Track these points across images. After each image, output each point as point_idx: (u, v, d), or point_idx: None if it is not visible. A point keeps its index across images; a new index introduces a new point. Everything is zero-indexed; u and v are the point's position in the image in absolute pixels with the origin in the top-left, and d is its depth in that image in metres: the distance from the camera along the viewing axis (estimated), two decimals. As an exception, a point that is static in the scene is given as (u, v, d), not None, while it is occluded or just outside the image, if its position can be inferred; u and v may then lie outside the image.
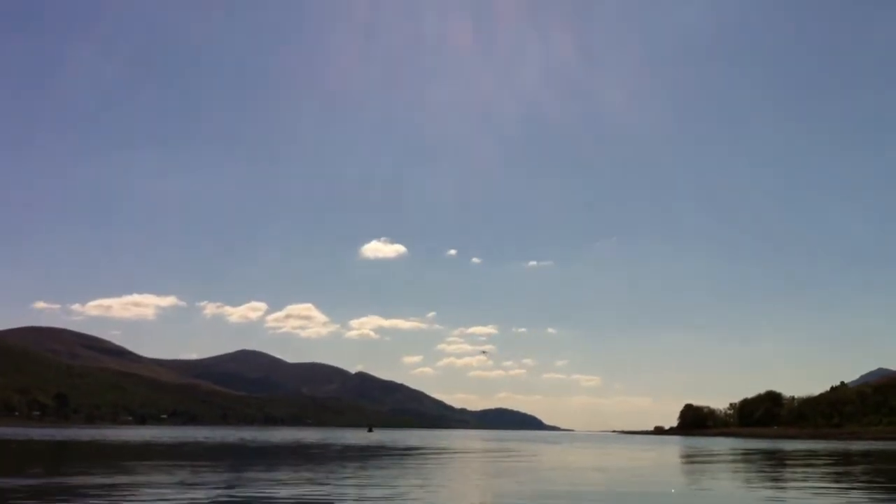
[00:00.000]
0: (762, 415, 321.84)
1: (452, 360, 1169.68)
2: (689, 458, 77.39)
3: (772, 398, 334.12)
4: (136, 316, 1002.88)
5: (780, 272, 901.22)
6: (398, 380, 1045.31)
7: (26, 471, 40.66)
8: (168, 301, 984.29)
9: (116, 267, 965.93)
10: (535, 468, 52.11)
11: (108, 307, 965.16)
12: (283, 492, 29.48)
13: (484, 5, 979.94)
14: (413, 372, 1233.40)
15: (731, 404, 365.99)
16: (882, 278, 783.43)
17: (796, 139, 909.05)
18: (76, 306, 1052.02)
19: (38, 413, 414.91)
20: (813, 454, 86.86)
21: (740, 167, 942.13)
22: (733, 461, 68.76)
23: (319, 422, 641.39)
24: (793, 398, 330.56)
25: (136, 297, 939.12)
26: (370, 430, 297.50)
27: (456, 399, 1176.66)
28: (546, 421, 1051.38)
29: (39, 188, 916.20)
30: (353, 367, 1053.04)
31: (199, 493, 28.22)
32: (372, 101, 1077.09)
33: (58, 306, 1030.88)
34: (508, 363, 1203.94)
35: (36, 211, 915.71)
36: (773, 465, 62.50)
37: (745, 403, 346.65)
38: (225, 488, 30.38)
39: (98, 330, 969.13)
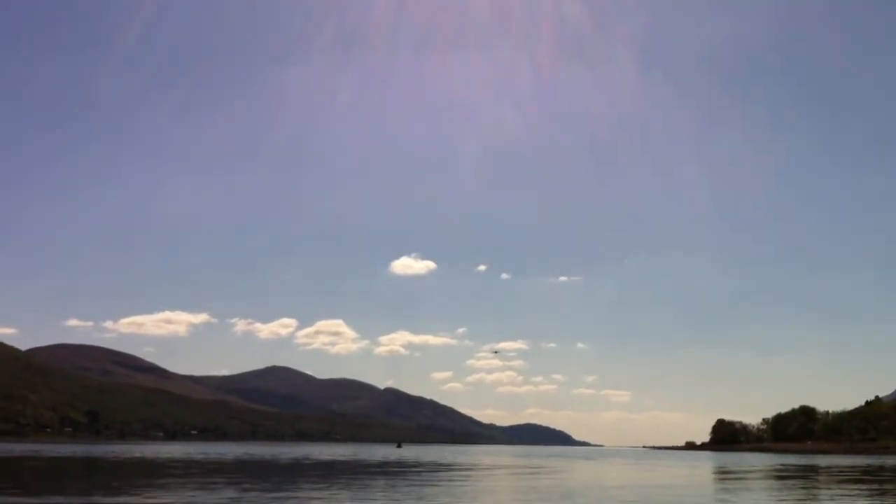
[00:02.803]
0: (796, 430, 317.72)
1: (482, 376, 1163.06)
2: (728, 474, 76.38)
3: (805, 413, 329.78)
4: (168, 333, 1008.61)
5: (813, 286, 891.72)
6: (427, 395, 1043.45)
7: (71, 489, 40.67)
8: (200, 318, 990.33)
9: (148, 284, 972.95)
10: (571, 487, 51.54)
11: (141, 324, 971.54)
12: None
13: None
14: (442, 388, 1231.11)
15: (763, 419, 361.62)
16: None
17: (825, 152, 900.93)
18: (109, 323, 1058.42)
19: (70, 429, 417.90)
20: (850, 470, 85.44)
21: (770, 181, 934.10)
22: (772, 478, 67.74)
23: (349, 437, 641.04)
24: (827, 413, 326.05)
25: (167, 314, 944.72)
26: (399, 446, 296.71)
27: (485, 415, 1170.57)
28: (576, 437, 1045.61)
29: (73, 207, 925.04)
30: (382, 383, 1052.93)
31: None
32: (402, 117, 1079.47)
33: (91, 323, 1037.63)
34: (538, 378, 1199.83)
35: (69, 229, 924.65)
36: (814, 482, 61.50)
37: (779, 418, 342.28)
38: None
39: (130, 347, 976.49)
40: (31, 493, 36.01)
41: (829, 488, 51.08)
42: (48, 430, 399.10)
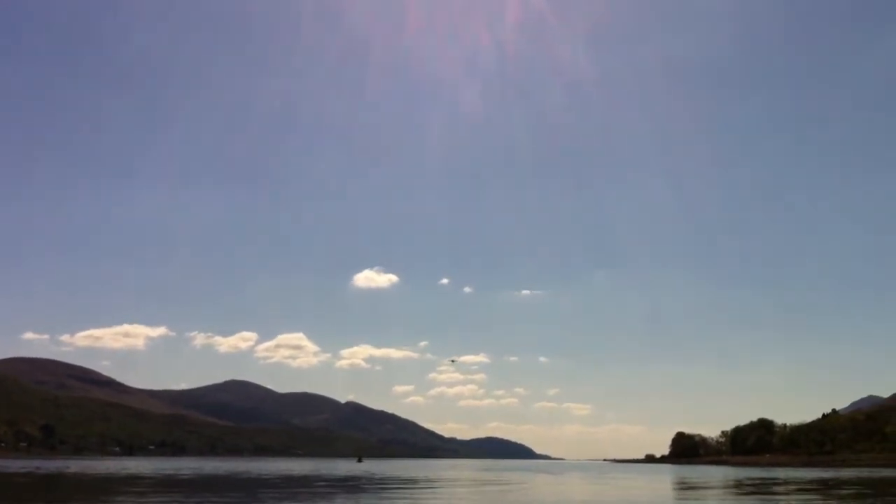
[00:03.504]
0: (754, 442, 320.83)
1: (444, 390, 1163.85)
2: (689, 488, 76.75)
3: (764, 426, 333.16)
4: (126, 346, 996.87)
5: (772, 300, 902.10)
6: (389, 409, 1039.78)
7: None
8: (158, 331, 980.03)
9: (106, 297, 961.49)
10: (531, 500, 51.43)
11: (98, 338, 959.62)
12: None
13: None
14: (404, 401, 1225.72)
15: (722, 432, 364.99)
16: (874, 306, 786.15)
17: (789, 168, 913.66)
18: (65, 337, 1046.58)
19: (24, 444, 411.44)
20: (807, 483, 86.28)
21: (732, 196, 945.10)
22: (731, 491, 68.15)
23: (309, 452, 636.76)
24: (785, 426, 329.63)
25: (125, 328, 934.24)
26: (360, 461, 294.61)
27: (447, 429, 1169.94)
28: (537, 450, 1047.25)
29: (29, 218, 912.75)
30: (343, 397, 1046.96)
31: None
32: (362, 131, 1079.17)
33: (47, 337, 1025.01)
34: (500, 392, 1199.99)
35: (26, 241, 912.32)
36: (772, 494, 61.94)
37: (737, 431, 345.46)
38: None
39: (87, 360, 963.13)
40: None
41: (787, 501, 51.47)
42: (2, 444, 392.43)
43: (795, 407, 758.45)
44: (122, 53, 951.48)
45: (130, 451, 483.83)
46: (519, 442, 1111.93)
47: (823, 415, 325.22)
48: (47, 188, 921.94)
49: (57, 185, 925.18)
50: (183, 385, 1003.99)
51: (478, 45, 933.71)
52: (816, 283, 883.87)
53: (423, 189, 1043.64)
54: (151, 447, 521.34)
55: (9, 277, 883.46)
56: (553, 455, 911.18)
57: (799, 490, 66.81)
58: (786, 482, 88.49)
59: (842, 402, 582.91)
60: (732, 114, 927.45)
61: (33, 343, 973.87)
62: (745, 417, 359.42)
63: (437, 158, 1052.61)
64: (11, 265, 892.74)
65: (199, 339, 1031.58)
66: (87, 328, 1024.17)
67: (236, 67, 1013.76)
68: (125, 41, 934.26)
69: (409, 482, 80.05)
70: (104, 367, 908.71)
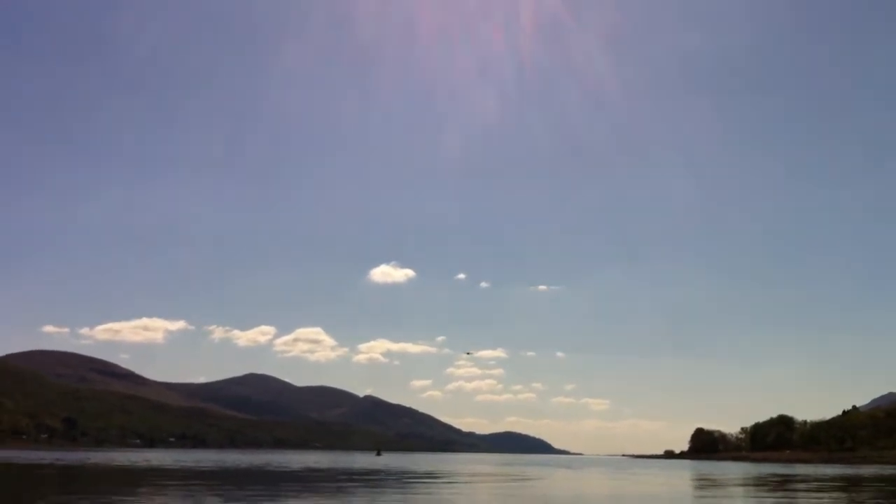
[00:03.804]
0: (774, 439, 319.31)
1: (462, 384, 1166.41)
2: (710, 483, 76.53)
3: (784, 422, 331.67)
4: (146, 340, 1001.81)
5: (792, 296, 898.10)
6: (407, 403, 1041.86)
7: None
8: (177, 325, 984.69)
9: (126, 291, 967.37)
10: (553, 495, 51.43)
11: (118, 331, 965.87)
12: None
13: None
14: (422, 396, 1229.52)
15: (742, 428, 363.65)
16: (894, 302, 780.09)
17: (807, 162, 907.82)
18: (85, 330, 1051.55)
19: (45, 436, 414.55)
20: (827, 479, 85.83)
21: (752, 191, 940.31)
22: (750, 486, 67.90)
23: (328, 445, 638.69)
24: (805, 422, 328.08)
25: (145, 321, 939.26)
26: (379, 454, 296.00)
27: (465, 423, 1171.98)
28: (555, 445, 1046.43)
29: (50, 213, 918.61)
30: (361, 391, 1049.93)
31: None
32: (383, 125, 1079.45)
33: (67, 330, 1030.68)
34: (517, 387, 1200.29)
35: (47, 235, 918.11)
36: (792, 491, 61.68)
37: (757, 427, 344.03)
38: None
39: (107, 354, 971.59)
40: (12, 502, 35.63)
41: (807, 498, 51.24)
42: (24, 436, 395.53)
43: (815, 404, 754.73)
44: (136, 52, 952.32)
45: (151, 443, 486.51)
46: (537, 437, 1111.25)
47: (844, 411, 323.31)
48: (68, 183, 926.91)
49: (77, 181, 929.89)
50: (202, 378, 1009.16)
51: (491, 44, 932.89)
52: (837, 278, 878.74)
53: (440, 185, 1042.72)
54: (171, 439, 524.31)
55: (29, 271, 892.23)
56: (571, 450, 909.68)
57: (819, 489, 66.45)
58: (808, 479, 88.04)
59: (862, 398, 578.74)
60: (749, 110, 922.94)
61: (53, 336, 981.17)
62: (764, 414, 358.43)
63: (454, 155, 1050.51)
64: (32, 260, 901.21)
65: (218, 332, 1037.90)
66: (107, 322, 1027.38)
67: (253, 67, 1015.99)
68: (137, 41, 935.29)
69: (429, 476, 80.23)
70: (123, 361, 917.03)
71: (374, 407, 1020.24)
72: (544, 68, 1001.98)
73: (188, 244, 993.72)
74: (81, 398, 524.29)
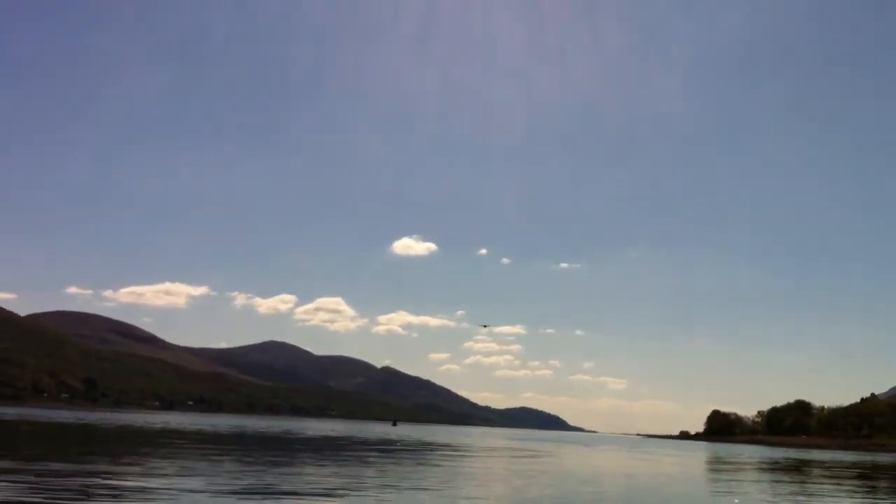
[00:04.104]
0: (791, 423, 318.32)
1: (479, 359, 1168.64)
2: (725, 464, 76.58)
3: (801, 407, 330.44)
4: (168, 304, 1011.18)
5: (812, 280, 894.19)
6: (424, 376, 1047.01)
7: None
8: (200, 290, 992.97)
9: (150, 255, 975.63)
10: (566, 471, 51.64)
11: (141, 294, 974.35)
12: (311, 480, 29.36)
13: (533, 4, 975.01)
14: (439, 369, 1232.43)
15: (759, 412, 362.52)
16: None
17: (829, 148, 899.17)
18: (108, 292, 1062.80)
19: (66, 395, 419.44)
20: (844, 466, 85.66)
21: (772, 175, 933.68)
22: (766, 470, 67.90)
23: (344, 414, 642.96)
24: (822, 408, 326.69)
25: (168, 286, 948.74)
26: (394, 425, 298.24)
27: (481, 397, 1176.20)
28: (570, 422, 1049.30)
29: (77, 176, 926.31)
30: (379, 362, 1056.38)
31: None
32: (404, 101, 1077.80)
33: (90, 292, 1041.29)
34: (535, 363, 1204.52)
35: (73, 198, 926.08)
36: (807, 475, 61.65)
37: (774, 411, 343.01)
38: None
39: (129, 317, 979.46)
40: (30, 458, 36.11)
41: (822, 483, 51.20)
42: (45, 395, 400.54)
43: (833, 390, 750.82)
44: (161, 18, 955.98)
45: (170, 406, 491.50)
46: (553, 413, 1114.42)
47: (862, 399, 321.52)
48: (97, 148, 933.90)
49: (105, 146, 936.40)
50: (223, 344, 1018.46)
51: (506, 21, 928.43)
52: (858, 264, 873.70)
53: (464, 159, 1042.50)
54: (190, 403, 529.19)
55: (55, 233, 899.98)
56: (586, 428, 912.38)
57: (835, 475, 66.31)
58: (824, 464, 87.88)
59: (881, 386, 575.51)
60: (777, 91, 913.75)
61: (77, 298, 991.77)
62: (781, 398, 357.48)
63: (479, 130, 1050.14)
64: (58, 222, 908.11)
65: (240, 299, 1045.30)
66: (130, 285, 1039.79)
67: (279, 34, 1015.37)
68: (165, 6, 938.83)
69: (444, 447, 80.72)
70: (145, 324, 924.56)
71: (392, 378, 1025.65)
72: (564, 40, 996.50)
73: (213, 210, 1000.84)
74: (103, 359, 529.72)
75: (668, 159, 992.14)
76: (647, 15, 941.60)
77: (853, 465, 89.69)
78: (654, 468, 61.48)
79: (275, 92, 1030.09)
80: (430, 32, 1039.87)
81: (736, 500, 33.88)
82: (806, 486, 47.43)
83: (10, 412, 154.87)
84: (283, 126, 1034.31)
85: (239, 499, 24.21)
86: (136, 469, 32.86)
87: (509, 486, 34.91)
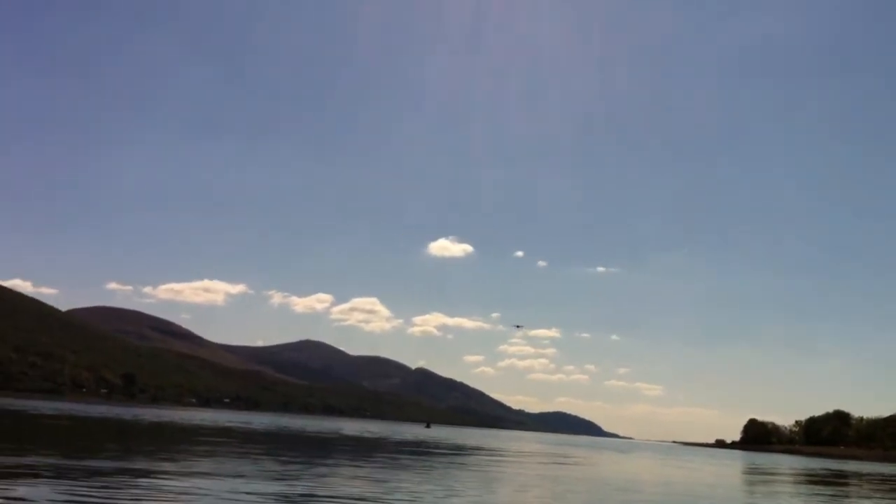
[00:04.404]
0: (829, 434, 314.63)
1: (514, 362, 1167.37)
2: (763, 474, 75.79)
3: (839, 417, 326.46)
4: (206, 301, 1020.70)
5: (852, 289, 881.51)
6: (458, 378, 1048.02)
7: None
8: (237, 288, 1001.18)
9: (190, 252, 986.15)
10: (602, 478, 51.37)
11: (179, 291, 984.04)
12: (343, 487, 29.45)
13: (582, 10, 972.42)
14: (474, 371, 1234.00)
15: (796, 421, 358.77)
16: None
17: (875, 153, 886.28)
18: (148, 289, 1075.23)
19: (105, 391, 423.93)
20: (886, 478, 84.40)
21: (809, 182, 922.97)
22: (806, 481, 67.11)
23: (378, 415, 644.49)
24: (861, 418, 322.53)
25: (206, 283, 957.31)
26: (428, 426, 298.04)
27: (515, 400, 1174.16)
28: (605, 427, 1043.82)
29: (119, 173, 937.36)
30: (414, 363, 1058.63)
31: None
32: (443, 101, 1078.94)
33: (130, 288, 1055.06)
34: (570, 367, 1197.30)
35: (115, 195, 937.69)
36: (848, 487, 60.83)
37: (812, 421, 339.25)
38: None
39: (168, 313, 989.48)
40: (70, 456, 36.55)
41: (861, 495, 50.49)
42: (84, 389, 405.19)
43: (872, 400, 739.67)
44: (204, 17, 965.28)
45: (206, 403, 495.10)
46: (587, 418, 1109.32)
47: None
48: (138, 145, 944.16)
49: (147, 144, 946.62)
50: (259, 342, 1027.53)
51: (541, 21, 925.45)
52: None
53: (502, 161, 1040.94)
54: (226, 400, 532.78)
55: (97, 230, 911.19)
56: (621, 434, 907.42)
57: (876, 488, 65.35)
58: (864, 476, 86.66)
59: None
60: (809, 102, 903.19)
61: (116, 293, 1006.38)
62: (819, 408, 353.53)
63: (519, 134, 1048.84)
64: (100, 218, 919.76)
65: (277, 297, 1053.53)
66: (169, 281, 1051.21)
67: (326, 30, 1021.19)
68: (206, 3, 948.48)
69: (478, 450, 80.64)
70: (183, 321, 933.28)
71: (426, 379, 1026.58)
72: (609, 43, 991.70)
73: (252, 209, 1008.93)
74: (141, 355, 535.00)
75: (708, 164, 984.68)
76: (689, 17, 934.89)
77: (893, 477, 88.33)
78: (691, 477, 60.95)
79: (318, 92, 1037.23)
80: (478, 35, 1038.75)
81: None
82: (846, 499, 46.78)
83: (49, 406, 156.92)
84: (324, 126, 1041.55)
85: (276, 500, 24.32)
86: (177, 467, 33.15)
87: (548, 493, 34.76)
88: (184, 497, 23.25)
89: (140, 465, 32.52)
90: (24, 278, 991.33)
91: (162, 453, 41.56)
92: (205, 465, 35.01)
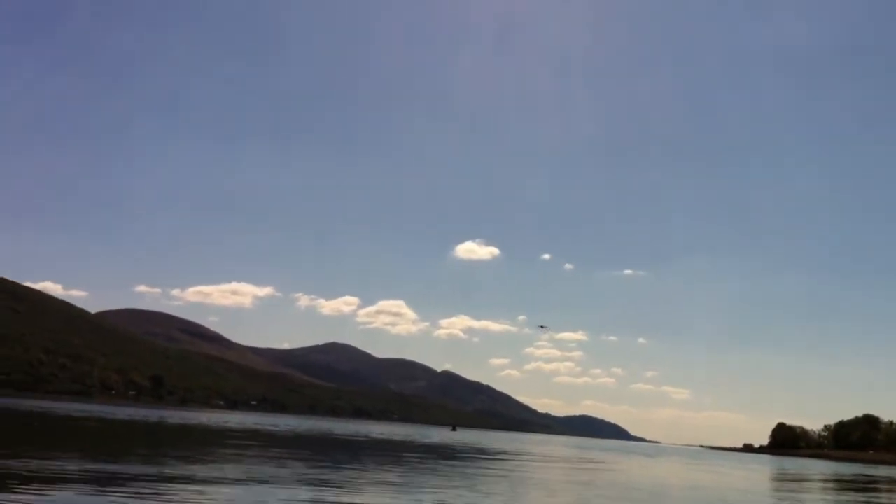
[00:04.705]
0: (858, 438, 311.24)
1: (540, 365, 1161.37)
2: (792, 479, 75.16)
3: (869, 422, 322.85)
4: (234, 304, 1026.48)
5: (879, 292, 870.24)
6: (484, 381, 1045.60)
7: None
8: (265, 291, 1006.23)
9: (218, 255, 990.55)
10: (629, 482, 51.13)
11: (208, 294, 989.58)
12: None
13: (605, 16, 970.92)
14: (499, 374, 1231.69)
15: (825, 426, 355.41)
16: None
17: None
18: (176, 291, 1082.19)
19: (133, 393, 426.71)
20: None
21: (836, 185, 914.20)
22: (838, 487, 66.49)
23: (404, 417, 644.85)
24: (891, 423, 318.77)
25: (234, 286, 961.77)
26: (454, 430, 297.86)
27: (540, 404, 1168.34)
28: (631, 431, 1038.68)
29: (147, 177, 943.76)
30: (440, 366, 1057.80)
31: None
32: (471, 103, 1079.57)
33: (158, 290, 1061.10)
34: (596, 371, 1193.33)
35: (143, 198, 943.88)
36: (880, 493, 60.18)
37: (841, 426, 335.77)
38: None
39: (196, 315, 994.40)
40: (97, 459, 36.86)
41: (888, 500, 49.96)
42: (112, 392, 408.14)
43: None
44: (229, 18, 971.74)
45: (234, 405, 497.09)
46: (613, 422, 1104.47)
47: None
48: (166, 150, 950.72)
49: (175, 147, 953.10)
50: (286, 344, 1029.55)
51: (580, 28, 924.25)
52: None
53: (529, 163, 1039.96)
54: (253, 403, 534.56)
55: (126, 233, 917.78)
56: (647, 438, 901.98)
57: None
58: (893, 481, 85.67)
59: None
60: (838, 104, 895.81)
61: (145, 296, 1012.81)
62: (849, 413, 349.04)
63: (547, 137, 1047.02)
64: (129, 221, 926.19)
65: (304, 300, 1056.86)
66: (198, 284, 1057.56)
67: (351, 30, 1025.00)
68: (232, 5, 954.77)
69: (505, 454, 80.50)
70: (211, 323, 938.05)
71: (452, 382, 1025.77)
72: (637, 50, 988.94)
73: (280, 213, 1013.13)
74: (170, 357, 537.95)
75: (735, 168, 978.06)
76: (719, 17, 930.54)
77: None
78: (722, 481, 60.53)
79: (345, 94, 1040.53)
80: (506, 37, 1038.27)
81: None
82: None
83: (80, 408, 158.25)
84: (351, 128, 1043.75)
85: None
86: (207, 470, 33.30)
87: (577, 498, 34.60)
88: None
89: (170, 469, 32.70)
90: (55, 281, 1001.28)
91: (191, 456, 41.78)
92: (234, 469, 35.15)
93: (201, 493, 25.20)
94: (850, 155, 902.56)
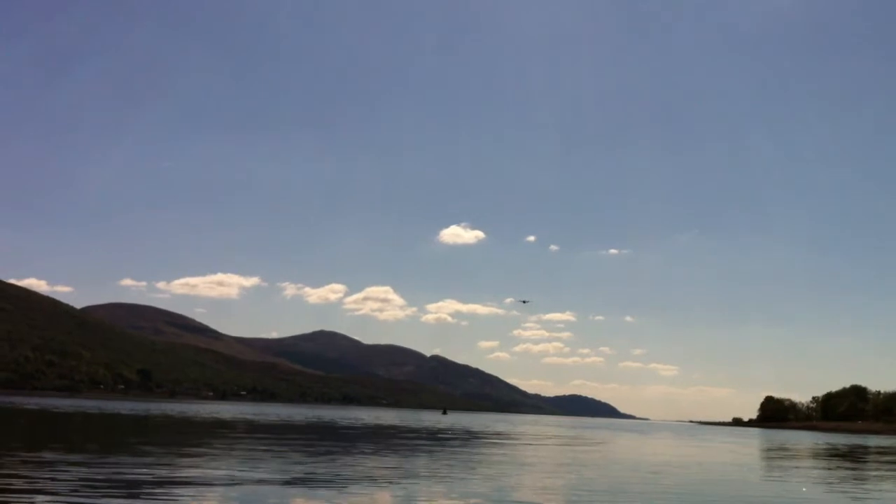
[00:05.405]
0: (846, 409, 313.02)
1: (529, 347, 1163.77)
2: (784, 451, 75.40)
3: (857, 392, 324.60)
4: (221, 295, 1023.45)
5: (866, 263, 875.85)
6: (473, 364, 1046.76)
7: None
8: (251, 281, 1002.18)
9: (202, 247, 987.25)
10: (622, 459, 51.06)
11: (194, 286, 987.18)
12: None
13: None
14: (489, 357, 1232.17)
15: (813, 398, 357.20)
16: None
17: (882, 129, 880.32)
18: (162, 284, 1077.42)
19: (122, 387, 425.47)
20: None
21: (826, 158, 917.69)
22: (829, 456, 66.73)
23: (394, 403, 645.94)
24: (879, 393, 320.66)
25: (220, 277, 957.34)
26: (444, 413, 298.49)
27: (530, 385, 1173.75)
28: (621, 409, 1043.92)
29: (130, 169, 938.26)
30: (429, 351, 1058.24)
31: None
32: (452, 89, 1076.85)
33: (144, 284, 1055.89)
34: (585, 350, 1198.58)
35: (126, 191, 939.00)
36: (867, 462, 60.41)
37: (829, 397, 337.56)
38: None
39: (183, 308, 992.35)
40: (93, 451, 36.49)
41: (886, 469, 50.10)
42: (101, 386, 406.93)
43: (889, 374, 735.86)
44: (215, 13, 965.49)
45: (223, 396, 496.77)
46: (603, 401, 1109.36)
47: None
48: (148, 142, 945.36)
49: (158, 140, 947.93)
50: (273, 334, 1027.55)
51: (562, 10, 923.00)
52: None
53: (512, 147, 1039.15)
54: (243, 393, 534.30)
55: (109, 227, 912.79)
56: (637, 415, 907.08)
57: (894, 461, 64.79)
58: (884, 450, 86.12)
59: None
60: (839, 73, 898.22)
61: (131, 290, 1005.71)
62: (835, 384, 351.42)
63: (527, 117, 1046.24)
64: (112, 215, 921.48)
65: (290, 289, 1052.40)
66: (183, 277, 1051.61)
67: (338, 29, 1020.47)
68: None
69: (497, 436, 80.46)
70: (198, 315, 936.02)
71: (441, 366, 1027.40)
72: (617, 30, 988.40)
73: (263, 202, 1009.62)
74: (157, 350, 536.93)
75: (716, 145, 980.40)
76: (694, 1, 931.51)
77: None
78: (718, 456, 60.65)
79: (327, 84, 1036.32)
80: (489, 21, 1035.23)
81: (804, 489, 33.35)
82: (873, 472, 46.40)
83: (66, 404, 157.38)
84: (333, 117, 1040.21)
85: (300, 488, 24.07)
86: (204, 461, 32.95)
87: (578, 476, 34.40)
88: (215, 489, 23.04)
89: (179, 460, 32.35)
90: (39, 277, 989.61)
91: (183, 447, 41.41)
92: (236, 461, 34.81)
93: (201, 493, 24.88)
94: (835, 125, 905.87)
